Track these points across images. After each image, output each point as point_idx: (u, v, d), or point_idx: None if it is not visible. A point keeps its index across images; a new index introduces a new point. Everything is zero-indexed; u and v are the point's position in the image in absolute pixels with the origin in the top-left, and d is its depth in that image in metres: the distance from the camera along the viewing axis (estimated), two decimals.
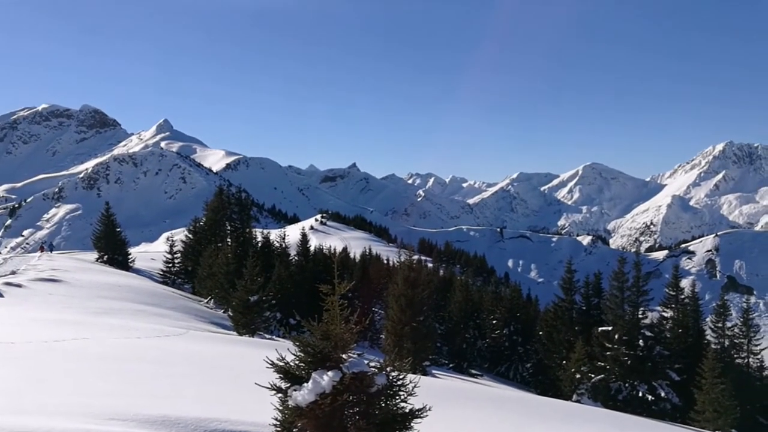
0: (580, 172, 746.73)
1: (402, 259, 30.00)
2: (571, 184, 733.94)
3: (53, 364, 13.28)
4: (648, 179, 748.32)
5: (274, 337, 33.17)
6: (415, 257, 31.53)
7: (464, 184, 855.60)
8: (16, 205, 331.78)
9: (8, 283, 30.66)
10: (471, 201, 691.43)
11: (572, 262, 44.84)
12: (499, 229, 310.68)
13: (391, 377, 6.93)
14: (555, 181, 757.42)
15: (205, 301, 40.44)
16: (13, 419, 7.55)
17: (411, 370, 7.36)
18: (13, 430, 6.98)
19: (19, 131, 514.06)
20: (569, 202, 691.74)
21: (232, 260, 39.10)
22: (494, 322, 49.92)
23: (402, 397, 6.98)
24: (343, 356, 6.93)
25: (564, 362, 36.22)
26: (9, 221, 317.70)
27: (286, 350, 7.82)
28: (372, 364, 7.07)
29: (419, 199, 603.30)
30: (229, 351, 20.02)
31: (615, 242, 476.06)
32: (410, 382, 7.10)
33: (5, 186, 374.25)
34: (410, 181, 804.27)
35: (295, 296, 39.53)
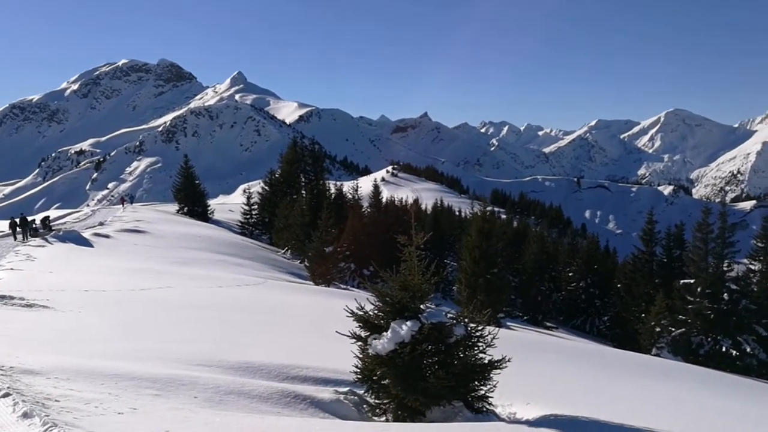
0: (662, 119, 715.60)
1: (475, 211, 29.74)
2: (652, 131, 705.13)
3: (141, 312, 13.95)
4: (736, 125, 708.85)
5: (348, 287, 33.77)
6: (489, 208, 31.17)
7: (540, 133, 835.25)
8: (101, 159, 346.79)
9: (97, 234, 32.31)
10: (547, 150, 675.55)
11: (653, 212, 43.25)
12: (576, 179, 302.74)
13: (469, 328, 6.92)
14: (635, 129, 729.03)
15: (282, 251, 41.41)
16: (107, 363, 7.99)
17: (485, 322, 7.29)
18: (106, 373, 7.40)
19: (101, 87, 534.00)
20: (650, 151, 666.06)
21: (307, 212, 39.73)
22: (570, 274, 49.08)
23: (480, 348, 6.97)
24: (421, 306, 6.95)
25: (643, 315, 35.37)
26: (95, 174, 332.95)
27: (362, 300, 7.91)
28: (450, 314, 7.07)
29: (492, 149, 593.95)
30: (307, 300, 20.50)
31: (698, 192, 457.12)
32: (489, 333, 7.07)
33: (90, 141, 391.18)
34: (483, 130, 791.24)
35: (368, 247, 39.88)
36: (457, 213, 72.43)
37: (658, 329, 31.99)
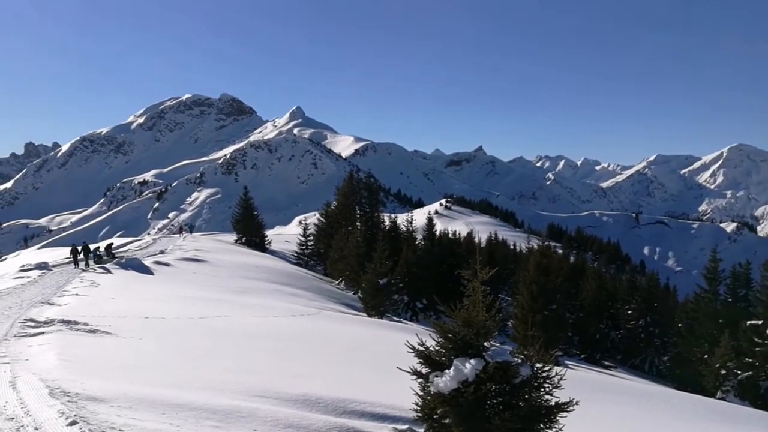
0: (725, 154, 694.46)
1: (531, 245, 29.22)
2: (714, 167, 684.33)
3: (199, 340, 14.09)
4: None
5: (402, 319, 33.53)
6: (546, 243, 30.62)
7: (597, 167, 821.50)
8: (163, 190, 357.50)
9: (158, 262, 33.07)
10: (604, 184, 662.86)
11: (716, 250, 41.70)
12: (634, 215, 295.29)
13: (535, 368, 6.68)
14: (696, 164, 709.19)
15: (336, 282, 41.53)
16: (167, 392, 8.04)
17: (551, 362, 7.04)
18: (167, 402, 7.43)
19: (165, 120, 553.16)
20: (712, 187, 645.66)
21: (362, 243, 39.83)
22: (629, 312, 47.55)
23: (547, 389, 6.71)
24: (485, 344, 6.76)
25: (706, 357, 33.89)
26: (157, 204, 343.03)
27: (415, 334, 7.76)
28: (516, 354, 6.85)
29: (548, 183, 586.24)
30: (361, 332, 20.38)
31: (764, 230, 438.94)
32: (555, 374, 6.82)
33: (154, 171, 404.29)
34: (539, 164, 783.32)
35: (421, 280, 39.69)
36: (511, 247, 71.47)
37: (723, 371, 30.57)
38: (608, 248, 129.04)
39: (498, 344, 6.86)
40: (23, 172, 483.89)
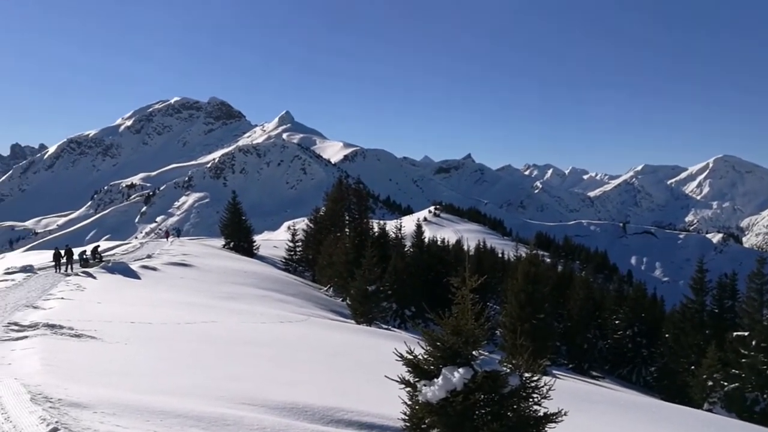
0: (710, 165, 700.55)
1: (519, 253, 29.26)
2: (700, 177, 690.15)
3: (186, 346, 13.97)
4: None
5: (390, 327, 33.46)
6: (535, 252, 30.64)
7: (585, 176, 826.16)
8: (151, 193, 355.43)
9: (145, 266, 32.82)
10: (592, 194, 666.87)
11: (702, 261, 41.95)
12: (621, 224, 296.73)
13: (524, 378, 6.65)
14: (683, 175, 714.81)
15: (325, 288, 41.41)
16: (153, 398, 7.94)
17: (540, 371, 7.01)
18: (152, 409, 7.33)
19: (154, 123, 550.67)
20: (698, 197, 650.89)
21: (351, 250, 39.74)
22: (617, 322, 47.70)
23: (535, 399, 6.68)
24: (474, 353, 6.72)
25: (693, 367, 34.02)
26: (144, 208, 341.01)
27: (404, 342, 7.72)
28: (504, 363, 6.82)
29: (536, 191, 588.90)
30: (350, 339, 20.31)
31: (749, 241, 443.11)
32: (544, 384, 6.79)
33: (141, 175, 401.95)
34: (527, 173, 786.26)
35: (410, 287, 39.64)
36: (500, 255, 71.53)
37: (710, 383, 30.68)
38: (596, 257, 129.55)
39: (487, 353, 6.83)
40: (9, 173, 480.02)
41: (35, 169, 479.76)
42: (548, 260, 78.25)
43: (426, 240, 52.36)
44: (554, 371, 29.15)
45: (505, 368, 6.61)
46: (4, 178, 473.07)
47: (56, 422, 6.28)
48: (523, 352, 7.08)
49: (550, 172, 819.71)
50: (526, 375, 6.66)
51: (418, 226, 50.31)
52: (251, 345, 15.30)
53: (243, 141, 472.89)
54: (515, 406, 6.52)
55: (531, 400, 6.63)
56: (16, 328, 13.71)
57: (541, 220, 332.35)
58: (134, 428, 6.53)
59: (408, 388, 6.99)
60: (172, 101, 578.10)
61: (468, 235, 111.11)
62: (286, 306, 27.07)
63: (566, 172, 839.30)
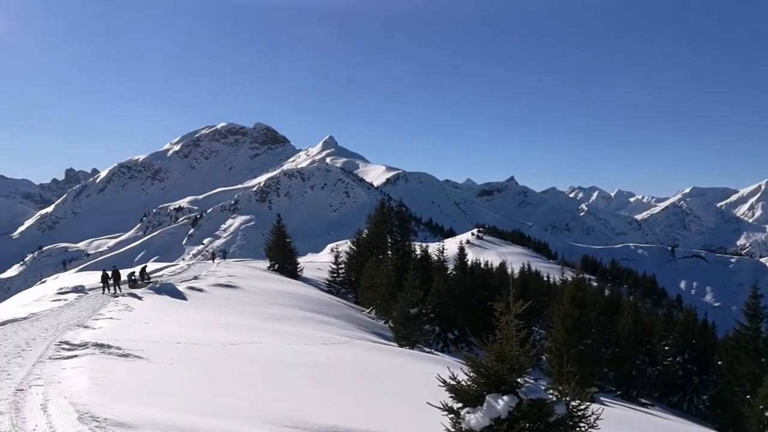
0: (762, 187, 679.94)
1: (566, 277, 28.74)
2: (752, 200, 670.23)
3: (230, 367, 14.07)
4: None
5: (433, 350, 33.15)
6: (581, 275, 30.06)
7: (631, 199, 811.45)
8: (198, 216, 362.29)
9: (191, 288, 33.36)
10: (639, 217, 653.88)
11: (757, 286, 40.54)
12: (670, 248, 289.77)
13: (571, 406, 6.49)
14: (733, 197, 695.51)
15: (367, 311, 41.36)
16: (198, 419, 8.00)
17: (587, 399, 6.81)
18: (197, 430, 7.38)
19: (201, 148, 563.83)
20: (750, 220, 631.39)
21: (393, 272, 39.66)
22: (666, 348, 46.30)
23: (582, 428, 6.50)
24: (519, 380, 6.59)
25: (748, 397, 32.74)
26: (191, 230, 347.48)
27: (447, 366, 7.61)
28: (550, 391, 6.66)
29: (582, 214, 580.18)
30: (392, 362, 20.18)
31: None
32: (591, 413, 6.61)
33: (189, 198, 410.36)
34: (572, 195, 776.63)
35: (453, 310, 39.28)
36: (545, 278, 70.52)
37: (767, 414, 29.47)
38: (644, 282, 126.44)
39: (532, 380, 6.69)
40: (63, 197, 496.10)
41: (88, 192, 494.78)
42: (595, 284, 76.74)
43: (469, 262, 51.96)
44: (601, 398, 28.42)
45: (551, 396, 6.46)
46: (58, 201, 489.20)
47: None
48: (570, 379, 6.92)
49: (595, 194, 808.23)
50: (573, 403, 6.50)
51: (461, 249, 49.98)
52: (295, 367, 15.33)
53: (288, 165, 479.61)
54: None
55: (578, 429, 6.46)
56: (67, 347, 14.03)
57: (587, 243, 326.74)
58: None
59: (451, 415, 6.88)
60: (219, 127, 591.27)
61: (512, 258, 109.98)
62: (329, 328, 27.10)
63: (612, 194, 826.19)
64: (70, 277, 46.40)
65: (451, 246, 69.60)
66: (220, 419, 8.24)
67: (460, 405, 6.82)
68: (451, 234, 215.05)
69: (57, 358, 12.54)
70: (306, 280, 52.54)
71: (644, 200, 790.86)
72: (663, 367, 46.02)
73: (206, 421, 7.90)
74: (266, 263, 56.65)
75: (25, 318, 20.33)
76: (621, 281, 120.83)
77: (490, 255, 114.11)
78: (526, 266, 74.12)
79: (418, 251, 47.90)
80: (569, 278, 35.03)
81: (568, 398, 6.48)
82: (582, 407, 6.51)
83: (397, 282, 36.58)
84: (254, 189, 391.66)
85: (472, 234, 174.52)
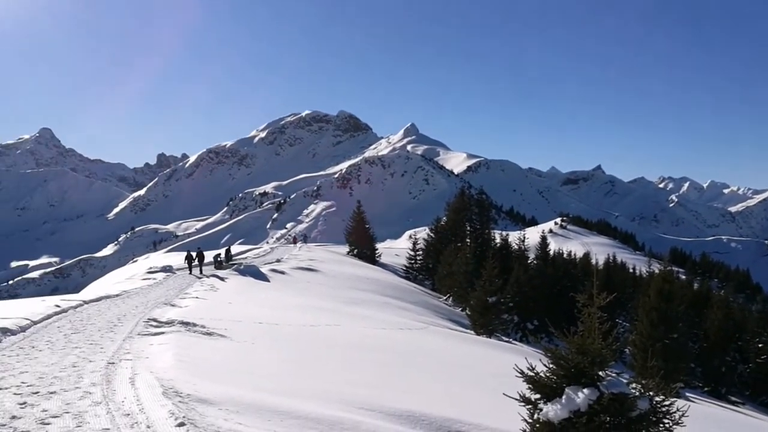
0: None
1: (652, 269, 27.66)
2: None
3: (310, 349, 14.31)
4: None
5: (511, 340, 32.72)
6: (669, 268, 28.86)
7: (725, 190, 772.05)
8: (282, 201, 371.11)
9: (274, 270, 34.21)
10: (733, 209, 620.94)
11: None
12: (767, 242, 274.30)
13: (654, 402, 6.21)
14: None
15: (444, 298, 41.25)
16: (275, 399, 8.16)
17: (672, 394, 6.49)
18: (273, 409, 7.53)
19: (286, 135, 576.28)
20: None
21: (471, 260, 39.36)
22: (760, 345, 43.98)
23: (666, 425, 6.21)
24: (600, 374, 6.36)
25: None
26: (275, 215, 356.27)
27: (525, 357, 7.43)
28: (633, 385, 6.40)
29: (671, 205, 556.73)
30: (469, 350, 20.03)
31: None
32: (677, 409, 6.31)
33: (273, 184, 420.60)
34: (661, 186, 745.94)
35: (533, 300, 38.61)
36: (631, 270, 68.18)
37: None
38: (737, 276, 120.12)
39: (615, 373, 6.44)
40: (155, 180, 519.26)
41: (177, 176, 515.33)
42: (683, 277, 73.55)
43: (551, 252, 50.89)
44: (688, 393, 27.30)
45: (633, 390, 6.21)
46: (150, 185, 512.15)
47: (183, 417, 6.59)
48: (655, 373, 6.63)
49: (686, 185, 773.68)
50: (657, 398, 6.22)
51: (543, 238, 48.99)
52: (371, 351, 15.44)
53: (369, 152, 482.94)
54: (644, 431, 6.09)
55: (661, 425, 6.18)
56: (155, 324, 14.66)
57: (677, 235, 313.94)
58: (255, 427, 6.72)
59: (528, 406, 6.73)
60: (303, 114, 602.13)
61: (596, 249, 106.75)
62: (406, 313, 27.18)
63: (704, 185, 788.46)
64: (159, 257, 48.54)
65: (532, 235, 68.36)
66: (296, 399, 8.38)
67: (537, 396, 6.66)
68: (533, 223, 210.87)
69: (145, 335, 13.12)
70: (384, 266, 52.89)
71: (740, 192, 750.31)
72: (756, 364, 43.76)
73: (283, 400, 8.05)
74: (346, 248, 57.39)
75: (117, 295, 21.44)
76: (712, 275, 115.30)
77: (574, 245, 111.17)
78: (611, 257, 71.80)
79: (498, 240, 47.31)
80: (656, 270, 33.72)
81: (651, 393, 6.20)
82: (666, 403, 6.22)
83: (475, 270, 36.28)
84: (336, 176, 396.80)
85: (555, 223, 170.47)
